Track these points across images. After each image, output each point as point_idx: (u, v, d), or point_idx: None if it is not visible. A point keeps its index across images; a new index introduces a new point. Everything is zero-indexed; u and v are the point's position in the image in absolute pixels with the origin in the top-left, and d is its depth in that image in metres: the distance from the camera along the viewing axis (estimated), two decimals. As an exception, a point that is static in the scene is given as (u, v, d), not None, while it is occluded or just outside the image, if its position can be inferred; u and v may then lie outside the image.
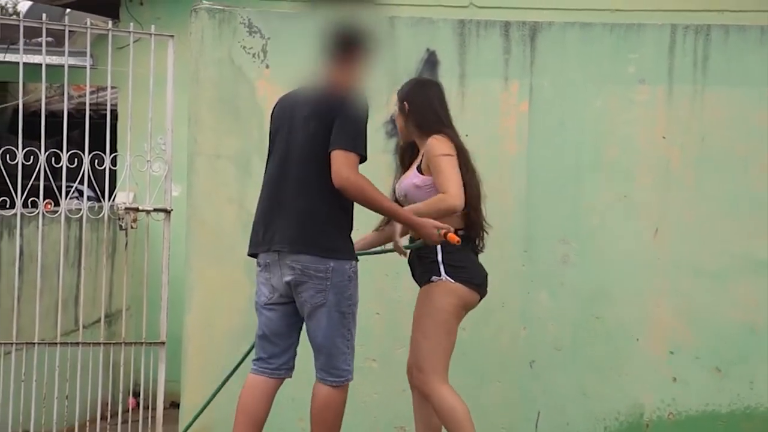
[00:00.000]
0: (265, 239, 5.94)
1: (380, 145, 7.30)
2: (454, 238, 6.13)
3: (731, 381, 7.67)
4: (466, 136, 7.38)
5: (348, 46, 6.06)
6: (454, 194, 6.12)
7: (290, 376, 6.08)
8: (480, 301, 6.51)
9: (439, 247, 6.20)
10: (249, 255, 6.13)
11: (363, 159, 5.87)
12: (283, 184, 5.91)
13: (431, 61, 7.53)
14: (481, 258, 7.34)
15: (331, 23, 6.10)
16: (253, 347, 6.58)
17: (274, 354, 6.04)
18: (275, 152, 6.02)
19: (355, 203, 5.93)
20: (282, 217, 5.89)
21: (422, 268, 6.39)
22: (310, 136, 5.85)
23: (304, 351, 6.09)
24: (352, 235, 6.05)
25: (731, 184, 7.63)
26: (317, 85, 6.02)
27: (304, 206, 5.87)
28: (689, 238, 7.63)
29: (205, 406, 7.28)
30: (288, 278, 5.87)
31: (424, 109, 6.44)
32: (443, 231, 6.12)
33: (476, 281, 6.38)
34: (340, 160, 5.82)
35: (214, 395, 7.18)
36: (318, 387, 5.96)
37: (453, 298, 6.29)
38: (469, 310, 6.47)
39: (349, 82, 6.01)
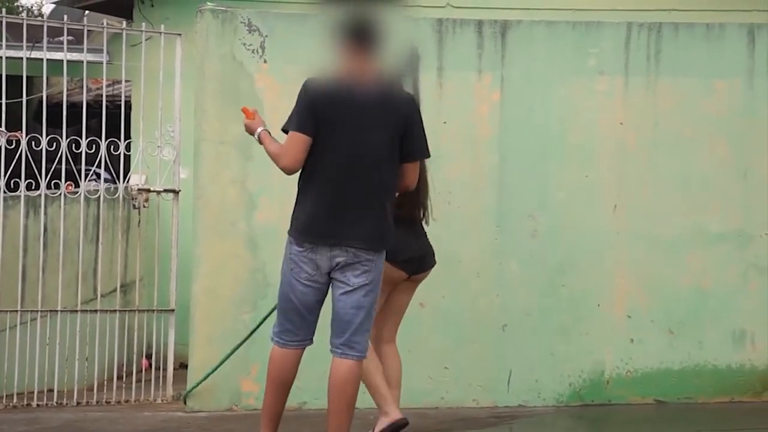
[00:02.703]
0: (332, 233, 5.65)
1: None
2: (246, 111, 6.04)
3: (683, 341, 7.70)
4: (444, 122, 7.45)
5: (366, 37, 5.80)
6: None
7: (312, 343, 5.94)
8: (412, 276, 6.43)
9: None
10: (303, 242, 5.71)
11: None
12: (357, 183, 5.67)
13: (414, 55, 7.50)
14: (458, 232, 7.39)
15: (349, 15, 5.90)
16: (265, 320, 6.59)
17: (303, 326, 5.82)
18: (340, 147, 5.65)
19: None
20: (357, 215, 5.68)
21: None
22: (384, 143, 5.69)
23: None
24: None
25: (681, 164, 7.66)
26: (377, 81, 5.77)
27: (379, 207, 5.74)
28: (645, 213, 7.65)
29: (216, 368, 7.33)
30: (339, 259, 5.68)
31: None
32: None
33: (399, 258, 6.25)
34: (414, 169, 5.88)
35: (225, 358, 7.23)
36: (340, 362, 5.75)
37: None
38: (395, 283, 6.38)
39: (369, 73, 5.77)
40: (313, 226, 5.69)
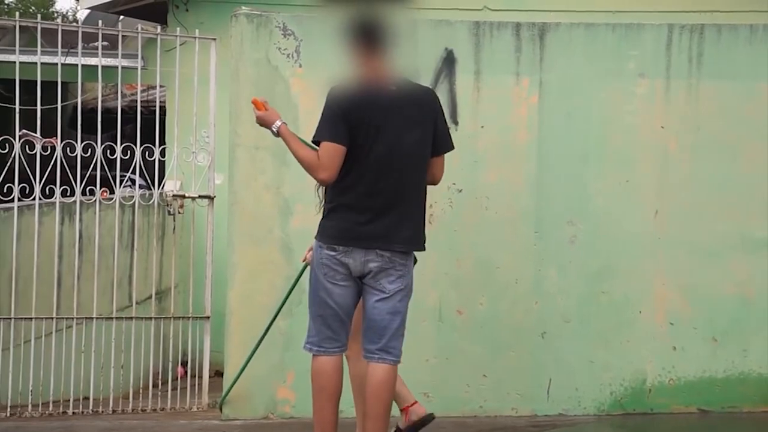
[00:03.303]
0: (374, 237, 5.67)
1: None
2: (256, 102, 6.06)
3: (726, 349, 7.64)
4: (482, 127, 7.43)
5: (374, 39, 5.82)
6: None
7: (347, 349, 5.92)
8: None
9: None
10: (337, 246, 5.72)
11: None
12: (398, 187, 5.70)
13: (449, 59, 7.50)
14: (496, 238, 7.40)
15: (356, 18, 5.93)
16: (279, 312, 6.62)
17: (342, 331, 5.82)
18: (375, 151, 5.67)
19: None
20: (396, 218, 5.70)
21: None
22: (419, 141, 5.73)
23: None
24: None
25: (723, 169, 7.59)
26: (398, 81, 5.79)
27: (416, 208, 5.79)
28: (686, 219, 7.59)
29: (238, 376, 7.34)
30: (373, 264, 5.70)
31: None
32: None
33: None
34: (443, 162, 5.95)
35: (246, 362, 7.23)
36: (375, 367, 5.75)
37: None
38: None
39: (384, 74, 5.78)
40: (350, 231, 5.70)
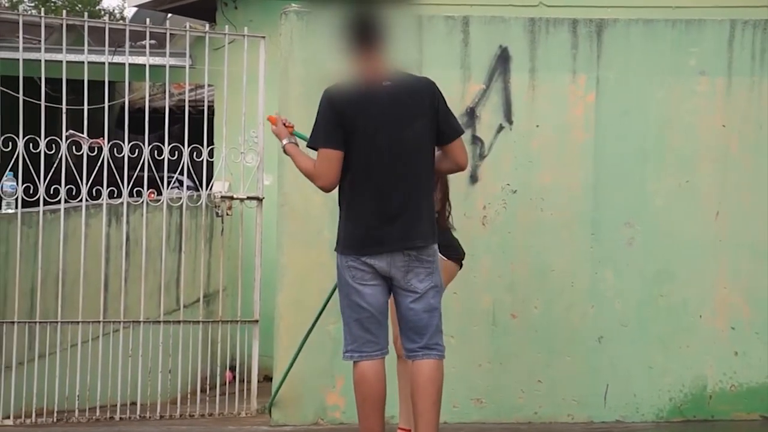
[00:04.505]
0: (390, 239, 5.65)
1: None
2: (271, 119, 6.24)
3: (789, 354, 7.58)
4: (537, 126, 7.42)
5: (367, 37, 5.75)
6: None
7: (388, 352, 5.92)
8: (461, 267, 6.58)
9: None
10: (359, 255, 5.69)
11: None
12: (402, 183, 5.66)
13: (504, 56, 7.49)
14: (551, 240, 7.38)
15: (349, 16, 5.86)
16: (320, 315, 6.66)
17: (381, 333, 5.79)
18: (378, 150, 5.64)
19: None
20: (410, 215, 5.67)
21: None
22: (421, 133, 5.69)
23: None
24: None
25: (788, 170, 7.53)
26: (393, 75, 5.75)
27: (427, 201, 5.75)
28: (748, 221, 7.53)
29: (283, 379, 7.36)
30: (400, 264, 5.68)
31: None
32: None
33: (452, 254, 6.40)
34: (461, 145, 5.86)
35: (291, 364, 7.25)
36: (422, 363, 5.74)
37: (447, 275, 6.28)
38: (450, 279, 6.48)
39: (382, 70, 5.73)
40: (368, 238, 5.69)
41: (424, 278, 5.72)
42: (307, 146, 5.79)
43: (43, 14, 8.93)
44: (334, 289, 6.90)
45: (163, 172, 8.59)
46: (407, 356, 5.83)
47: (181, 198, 8.69)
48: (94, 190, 8.36)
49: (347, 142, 5.64)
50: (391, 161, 5.65)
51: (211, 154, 8.71)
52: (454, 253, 6.40)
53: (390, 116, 5.66)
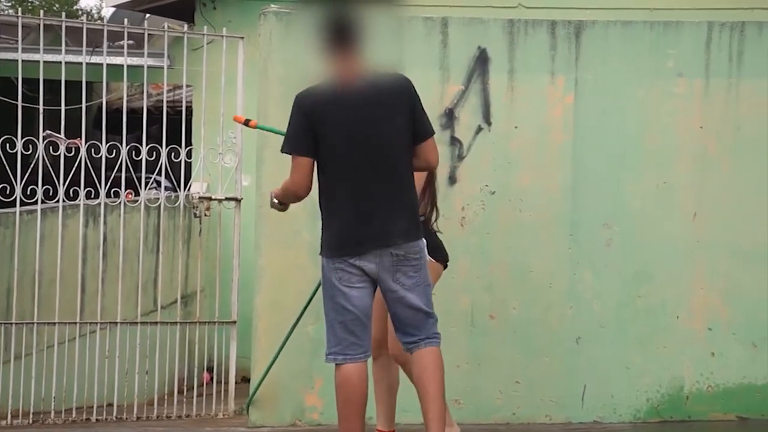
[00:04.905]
0: (370, 237, 5.64)
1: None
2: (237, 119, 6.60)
3: (766, 355, 7.61)
4: (515, 127, 7.44)
5: (346, 37, 5.74)
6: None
7: (370, 355, 5.92)
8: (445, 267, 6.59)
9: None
10: (344, 257, 5.69)
11: None
12: (380, 182, 5.65)
13: (483, 57, 7.52)
14: (530, 241, 7.41)
15: (326, 17, 5.85)
16: (305, 309, 6.69)
17: (365, 335, 5.78)
18: (352, 151, 5.64)
19: None
20: (388, 213, 5.67)
21: None
22: (397, 131, 5.67)
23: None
24: None
25: (764, 170, 7.56)
26: (370, 79, 5.74)
27: (407, 198, 5.74)
28: (726, 222, 7.57)
29: (261, 380, 7.38)
30: (388, 265, 5.68)
31: None
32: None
33: (438, 255, 6.39)
34: (433, 145, 5.84)
35: (270, 366, 7.27)
36: (423, 351, 5.77)
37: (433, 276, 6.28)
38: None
39: (357, 71, 5.72)
40: (346, 238, 5.69)
41: (413, 275, 5.72)
42: (280, 151, 5.80)
43: (20, 14, 8.92)
44: (316, 290, 6.95)
45: (140, 172, 8.59)
46: (406, 348, 5.84)
47: (159, 199, 8.69)
48: (71, 190, 8.34)
49: (320, 145, 5.64)
50: (365, 160, 5.64)
51: (189, 154, 8.71)
52: (440, 255, 6.42)
53: (364, 116, 5.65)
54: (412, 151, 5.77)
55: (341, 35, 5.77)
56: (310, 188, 5.76)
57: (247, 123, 6.86)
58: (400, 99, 5.72)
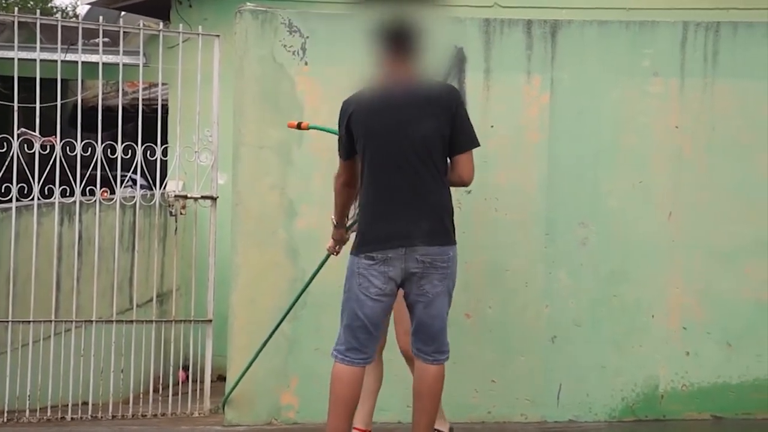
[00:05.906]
0: (392, 236, 5.75)
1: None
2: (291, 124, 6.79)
3: (741, 354, 7.65)
4: (491, 126, 7.46)
5: (404, 43, 5.88)
6: None
7: (373, 360, 6.05)
8: None
9: None
10: (373, 252, 5.79)
11: None
12: (409, 182, 5.75)
13: (459, 57, 7.54)
14: (506, 240, 7.45)
15: (386, 20, 5.97)
16: (286, 316, 6.72)
17: (369, 344, 5.89)
18: (384, 155, 5.78)
19: None
20: (413, 213, 5.76)
21: None
22: (431, 136, 5.74)
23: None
24: None
25: (739, 170, 7.61)
26: (413, 84, 5.85)
27: (437, 200, 5.81)
28: (700, 221, 7.61)
29: (239, 380, 7.38)
30: (414, 270, 5.76)
31: None
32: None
33: None
34: (469, 159, 5.92)
35: (249, 365, 7.28)
36: (427, 368, 5.93)
37: None
38: None
39: (411, 78, 5.86)
40: (372, 235, 5.80)
41: (437, 284, 5.82)
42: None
43: (-6, 11, 8.91)
44: (302, 292, 6.98)
45: (116, 170, 8.59)
46: (416, 355, 5.97)
47: (134, 197, 8.69)
48: (46, 188, 8.34)
49: (357, 147, 5.85)
50: (394, 161, 5.77)
51: (164, 152, 8.72)
52: None
53: (397, 118, 5.76)
54: (445, 156, 5.85)
55: (398, 41, 5.88)
56: (354, 182, 5.97)
57: (299, 126, 6.84)
58: (439, 105, 5.81)
